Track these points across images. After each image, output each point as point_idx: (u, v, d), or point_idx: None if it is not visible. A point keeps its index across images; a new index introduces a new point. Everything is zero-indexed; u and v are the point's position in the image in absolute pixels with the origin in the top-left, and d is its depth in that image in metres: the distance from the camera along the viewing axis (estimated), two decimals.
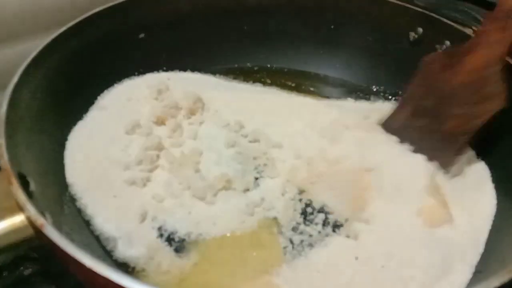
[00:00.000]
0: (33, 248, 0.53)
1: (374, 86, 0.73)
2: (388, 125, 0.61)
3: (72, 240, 0.34)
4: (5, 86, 0.47)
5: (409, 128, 0.58)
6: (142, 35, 0.68)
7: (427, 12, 0.67)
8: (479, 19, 0.69)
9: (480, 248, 0.49)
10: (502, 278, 0.34)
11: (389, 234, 0.49)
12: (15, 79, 0.48)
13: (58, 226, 0.41)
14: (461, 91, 0.53)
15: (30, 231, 0.38)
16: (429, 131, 0.56)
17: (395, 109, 0.61)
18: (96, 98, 0.62)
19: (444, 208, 0.52)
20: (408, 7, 0.69)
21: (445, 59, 0.55)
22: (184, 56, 0.72)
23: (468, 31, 0.66)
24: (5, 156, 0.40)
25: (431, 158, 0.55)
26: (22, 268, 0.52)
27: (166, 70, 0.70)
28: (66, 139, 0.55)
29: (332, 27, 0.74)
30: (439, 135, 0.55)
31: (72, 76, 0.58)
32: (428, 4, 0.73)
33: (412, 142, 0.57)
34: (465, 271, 0.47)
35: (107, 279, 0.31)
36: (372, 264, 0.47)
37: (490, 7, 0.73)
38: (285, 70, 0.75)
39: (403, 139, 0.58)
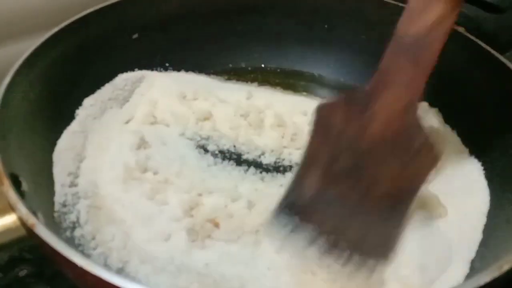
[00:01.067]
0: (28, 249, 0.53)
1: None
2: (287, 204, 0.43)
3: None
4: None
5: (326, 195, 0.42)
6: (135, 36, 0.68)
7: None
8: (470, 17, 0.69)
9: (475, 244, 0.49)
10: (492, 274, 0.34)
11: None
12: (7, 79, 0.48)
13: (50, 225, 0.41)
14: (382, 148, 0.41)
15: (22, 231, 0.38)
16: (357, 196, 0.42)
17: (294, 180, 0.44)
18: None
19: (438, 202, 0.52)
20: (401, 6, 0.69)
21: (345, 107, 0.42)
22: (178, 56, 0.72)
23: (461, 29, 0.66)
24: None
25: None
26: (17, 269, 0.52)
27: (160, 71, 0.70)
28: (58, 139, 0.55)
29: (326, 26, 0.74)
30: (370, 201, 0.41)
31: (65, 76, 0.58)
32: None
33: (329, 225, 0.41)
34: (462, 267, 0.47)
35: (98, 278, 0.31)
36: None
37: (483, 4, 0.74)
38: (279, 70, 0.75)
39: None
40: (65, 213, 0.50)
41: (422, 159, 0.40)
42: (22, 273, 0.52)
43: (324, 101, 0.44)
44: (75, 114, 0.60)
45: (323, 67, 0.75)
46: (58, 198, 0.51)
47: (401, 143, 0.40)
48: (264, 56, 0.76)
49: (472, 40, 0.62)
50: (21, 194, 0.40)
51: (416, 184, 0.41)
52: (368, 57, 0.71)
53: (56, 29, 0.57)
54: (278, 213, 0.43)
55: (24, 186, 0.42)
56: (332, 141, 0.42)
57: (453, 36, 0.62)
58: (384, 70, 0.41)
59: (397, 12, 0.66)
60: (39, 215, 0.40)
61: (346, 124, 0.42)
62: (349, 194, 0.42)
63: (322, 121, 0.43)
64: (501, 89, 0.57)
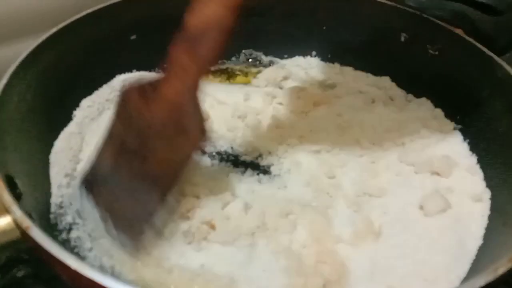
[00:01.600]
0: (26, 250, 0.53)
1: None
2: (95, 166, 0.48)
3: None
4: None
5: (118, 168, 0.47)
6: (133, 37, 0.68)
7: (418, 12, 0.67)
8: (470, 18, 0.69)
9: (479, 238, 0.49)
10: (488, 277, 0.34)
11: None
12: (4, 81, 0.48)
13: (45, 227, 0.41)
14: (157, 126, 0.46)
15: (16, 233, 0.38)
16: (135, 174, 0.47)
17: (94, 158, 0.48)
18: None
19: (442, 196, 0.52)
20: (399, 7, 0.69)
21: (143, 91, 0.46)
22: None
23: (458, 31, 0.66)
24: None
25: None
26: (14, 270, 0.52)
27: (158, 72, 0.70)
28: (55, 141, 0.55)
29: (324, 28, 0.74)
30: (152, 174, 0.47)
31: (62, 78, 0.58)
32: (419, 4, 0.73)
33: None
34: (466, 262, 0.47)
35: (92, 281, 0.31)
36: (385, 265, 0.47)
37: (480, 6, 0.74)
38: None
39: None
40: (61, 215, 0.50)
41: (184, 140, 0.46)
42: (20, 274, 0.52)
43: (128, 86, 0.47)
44: (72, 115, 0.60)
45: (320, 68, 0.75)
46: (54, 200, 0.51)
47: (172, 124, 0.46)
48: (262, 58, 0.76)
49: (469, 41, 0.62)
50: (16, 195, 0.40)
51: (179, 158, 0.47)
52: (366, 58, 0.74)
53: (53, 30, 0.57)
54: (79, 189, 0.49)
55: (20, 188, 0.42)
56: (127, 118, 0.47)
57: (451, 37, 0.64)
58: (168, 59, 0.45)
59: (394, 14, 0.69)
60: (35, 217, 0.40)
61: (138, 107, 0.46)
62: (130, 171, 0.47)
63: (123, 104, 0.47)
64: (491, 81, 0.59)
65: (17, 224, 0.36)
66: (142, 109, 0.46)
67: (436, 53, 0.66)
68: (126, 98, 0.46)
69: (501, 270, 0.35)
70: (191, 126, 0.46)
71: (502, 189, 0.53)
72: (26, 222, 0.35)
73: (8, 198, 0.37)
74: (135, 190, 0.46)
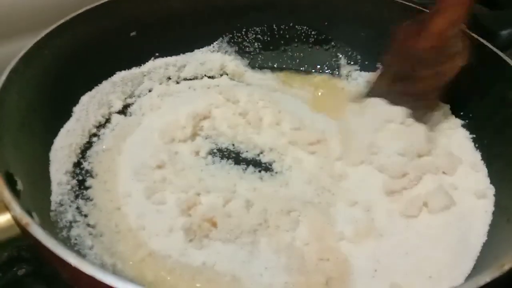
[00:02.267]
0: (26, 248, 0.53)
1: None
2: (374, 92, 0.64)
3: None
4: None
5: (391, 93, 0.62)
6: (133, 33, 0.67)
7: (420, 7, 0.67)
8: (473, 14, 0.68)
9: (483, 235, 0.49)
10: (494, 273, 0.34)
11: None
12: (3, 78, 0.48)
13: (45, 225, 0.41)
14: (428, 54, 0.57)
15: (16, 230, 0.37)
16: (406, 93, 0.60)
17: (376, 78, 0.65)
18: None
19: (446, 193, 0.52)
20: (401, 2, 0.69)
21: (414, 27, 0.58)
22: (175, 54, 0.71)
23: (461, 25, 0.65)
24: None
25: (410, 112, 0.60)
26: (15, 268, 0.52)
27: None
28: (54, 138, 0.55)
29: (326, 23, 0.74)
30: (415, 95, 0.60)
31: (61, 75, 0.57)
32: None
33: (394, 103, 0.61)
34: (470, 259, 0.47)
35: (92, 278, 0.31)
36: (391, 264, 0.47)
37: (485, 1, 0.74)
38: (276, 66, 0.75)
39: (387, 100, 0.62)
40: (61, 212, 0.49)
41: (453, 62, 0.56)
42: (21, 272, 0.52)
43: (400, 27, 0.59)
44: (72, 112, 0.59)
45: (322, 63, 0.75)
46: (54, 197, 0.50)
47: (443, 50, 0.56)
48: (263, 55, 0.75)
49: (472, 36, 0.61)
50: (16, 193, 0.40)
51: (445, 77, 0.58)
52: (367, 53, 0.73)
53: (53, 27, 0.56)
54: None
55: (20, 185, 0.42)
56: (401, 51, 0.60)
57: None
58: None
59: (396, 8, 0.68)
60: (34, 214, 0.39)
61: (411, 38, 0.58)
62: (403, 91, 0.61)
63: (398, 37, 0.60)
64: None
65: (16, 221, 0.36)
66: (413, 42, 0.57)
67: None
68: (400, 33, 0.59)
69: (507, 266, 0.34)
70: (456, 51, 0.56)
71: (506, 186, 0.52)
72: (26, 219, 0.34)
73: (7, 195, 0.36)
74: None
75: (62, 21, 0.58)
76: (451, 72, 0.57)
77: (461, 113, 0.63)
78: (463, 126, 0.62)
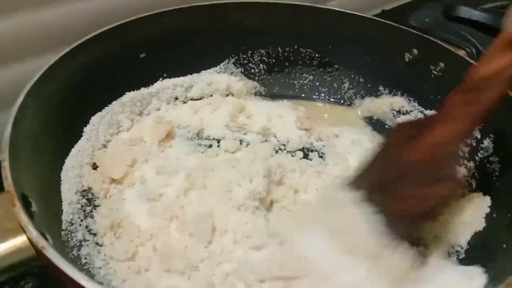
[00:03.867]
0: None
1: None
2: (355, 186, 0.53)
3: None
4: (9, 104, 0.49)
5: (369, 197, 0.51)
6: (143, 55, 0.69)
7: (421, 34, 0.69)
8: (472, 41, 0.70)
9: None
10: None
11: None
12: (19, 101, 0.49)
13: (57, 245, 0.42)
14: (417, 169, 0.48)
15: (31, 251, 0.39)
16: (385, 206, 0.49)
17: (361, 172, 0.54)
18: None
19: None
20: (403, 28, 0.71)
21: (410, 131, 0.50)
22: (183, 75, 0.73)
23: (461, 52, 0.67)
24: (9, 178, 0.41)
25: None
26: (23, 282, 0.53)
27: None
28: (66, 158, 0.57)
29: (330, 47, 0.76)
30: (394, 212, 0.48)
31: (74, 96, 0.59)
32: (422, 24, 0.75)
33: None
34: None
35: None
36: None
37: (483, 29, 0.76)
38: (279, 90, 0.78)
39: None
40: (72, 231, 0.51)
41: (441, 188, 0.46)
42: (28, 286, 0.53)
43: (394, 126, 0.53)
44: (83, 132, 0.61)
45: (327, 88, 0.78)
46: (65, 217, 0.52)
47: (433, 170, 0.47)
48: (268, 77, 0.78)
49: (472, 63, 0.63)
50: (30, 214, 0.41)
51: (426, 204, 0.48)
52: (371, 77, 0.75)
53: (65, 50, 0.58)
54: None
55: (34, 206, 0.43)
56: (391, 154, 0.51)
57: (454, 59, 0.66)
58: (446, 105, 0.48)
59: (398, 34, 0.70)
60: (48, 236, 0.41)
61: (406, 142, 0.49)
62: (382, 201, 0.49)
63: (393, 136, 0.52)
64: None
65: (32, 244, 0.37)
66: (406, 147, 0.48)
67: (440, 73, 0.68)
68: (397, 132, 0.51)
69: None
70: (448, 176, 0.46)
71: None
72: (42, 242, 0.36)
73: (24, 217, 0.38)
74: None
75: (75, 44, 0.59)
76: (435, 201, 0.47)
77: None
78: None
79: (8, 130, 0.46)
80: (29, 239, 0.38)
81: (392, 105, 0.72)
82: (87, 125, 0.62)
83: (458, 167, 0.49)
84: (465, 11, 0.76)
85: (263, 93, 0.77)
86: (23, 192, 0.43)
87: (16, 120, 0.48)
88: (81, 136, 0.61)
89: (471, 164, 0.62)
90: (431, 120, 0.49)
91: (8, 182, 0.41)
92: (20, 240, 0.39)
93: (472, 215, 0.55)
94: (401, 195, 0.48)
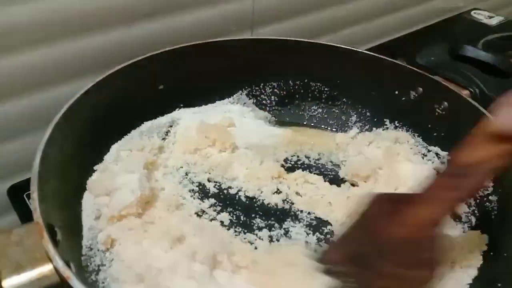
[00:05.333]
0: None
1: None
2: (324, 258, 0.51)
3: None
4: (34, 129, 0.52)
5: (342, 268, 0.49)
6: (161, 87, 0.73)
7: (426, 73, 0.72)
8: (476, 82, 0.73)
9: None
10: None
11: None
12: (46, 135, 0.53)
13: (82, 276, 0.46)
14: (398, 247, 0.47)
15: (57, 278, 0.42)
16: (362, 279, 0.47)
17: (337, 241, 0.53)
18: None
19: None
20: (409, 68, 0.74)
21: (392, 203, 0.49)
22: (198, 105, 0.77)
23: (465, 93, 0.70)
24: (38, 211, 0.44)
25: None
26: None
27: None
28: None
29: (338, 81, 0.79)
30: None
31: (96, 127, 0.63)
32: (428, 63, 0.78)
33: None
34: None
35: None
36: None
37: (488, 69, 0.78)
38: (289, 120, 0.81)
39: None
40: (91, 256, 0.54)
41: (419, 271, 0.46)
42: None
43: (379, 196, 0.51)
44: (103, 160, 0.65)
45: (333, 120, 0.81)
46: (85, 241, 0.55)
47: (414, 248, 0.46)
48: (279, 108, 0.81)
49: (475, 105, 0.66)
50: (56, 243, 0.45)
51: (406, 285, 0.46)
52: (377, 112, 0.78)
53: (91, 84, 0.62)
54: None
55: (59, 235, 0.47)
56: (369, 226, 0.50)
57: (457, 99, 0.68)
58: (429, 186, 0.48)
59: (405, 72, 0.74)
60: (71, 264, 0.44)
61: (385, 216, 0.49)
62: (356, 275, 0.47)
63: (371, 207, 0.51)
64: None
65: (58, 273, 0.41)
66: (386, 222, 0.48)
67: (443, 112, 0.71)
68: (373, 206, 0.50)
69: None
70: (427, 260, 0.45)
71: None
72: (67, 272, 0.40)
73: (51, 249, 0.41)
74: None
75: (99, 78, 0.63)
76: (414, 285, 0.46)
77: None
78: None
79: (36, 163, 0.49)
80: (55, 268, 0.41)
81: (397, 139, 0.75)
82: (108, 153, 0.66)
83: (436, 249, 0.46)
84: (471, 51, 0.79)
85: (274, 123, 0.80)
86: (50, 221, 0.46)
87: (44, 153, 0.51)
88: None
89: (471, 201, 0.65)
90: (412, 198, 0.48)
91: (37, 214, 0.44)
92: (47, 268, 0.42)
93: (471, 252, 0.58)
94: (380, 272, 0.46)
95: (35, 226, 0.44)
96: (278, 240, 0.60)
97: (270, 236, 0.60)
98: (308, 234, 0.61)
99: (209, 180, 0.68)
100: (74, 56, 0.69)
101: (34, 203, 0.45)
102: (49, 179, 0.52)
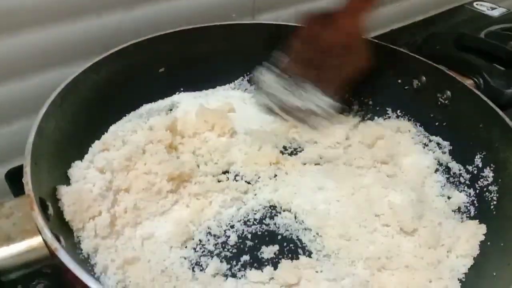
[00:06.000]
0: (47, 265, 0.58)
1: None
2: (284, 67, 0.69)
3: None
4: (33, 112, 0.53)
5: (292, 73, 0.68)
6: (162, 69, 0.73)
7: (430, 62, 0.71)
8: (480, 71, 0.72)
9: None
10: None
11: None
12: (43, 110, 0.53)
13: (69, 247, 0.46)
14: (336, 48, 0.64)
15: (46, 251, 0.42)
16: (310, 78, 0.66)
17: (287, 61, 0.69)
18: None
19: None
20: (413, 56, 0.73)
21: (324, 18, 0.65)
22: (199, 90, 0.77)
23: (468, 82, 0.69)
24: (29, 184, 0.44)
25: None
26: (35, 282, 0.55)
27: None
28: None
29: None
30: (317, 82, 0.67)
31: (94, 107, 0.63)
32: (433, 52, 0.77)
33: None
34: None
35: None
36: None
37: (493, 59, 0.77)
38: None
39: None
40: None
41: (354, 57, 0.65)
42: (40, 286, 0.56)
43: (310, 14, 0.66)
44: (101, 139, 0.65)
45: None
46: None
47: (345, 45, 0.64)
48: None
49: (478, 95, 0.65)
50: (47, 217, 0.45)
51: (347, 72, 0.66)
52: (379, 102, 0.77)
53: (88, 64, 0.62)
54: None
55: (50, 210, 0.47)
56: (309, 39, 0.66)
57: (460, 88, 0.68)
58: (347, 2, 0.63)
59: (408, 61, 0.72)
60: (61, 238, 0.44)
61: (321, 29, 0.65)
62: (307, 74, 0.67)
63: (307, 24, 0.66)
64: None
65: (47, 245, 0.41)
66: (325, 33, 0.63)
67: (446, 102, 0.70)
68: (310, 21, 0.65)
69: None
70: (358, 50, 0.64)
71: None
72: (55, 244, 0.39)
73: (41, 221, 0.41)
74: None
75: (98, 58, 0.63)
76: (352, 70, 0.65)
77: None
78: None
79: (31, 138, 0.49)
80: (44, 240, 0.41)
81: (399, 129, 0.74)
82: (105, 133, 0.66)
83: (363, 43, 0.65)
84: (475, 41, 0.78)
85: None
86: (41, 196, 0.47)
87: (40, 128, 0.51)
88: None
89: (471, 191, 0.64)
90: (340, 12, 0.63)
91: (29, 187, 0.44)
92: (36, 241, 0.42)
93: (468, 241, 0.57)
94: (327, 65, 0.65)
95: (26, 199, 0.43)
96: None
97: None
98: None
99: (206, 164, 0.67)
100: (74, 39, 0.69)
101: (26, 177, 0.45)
102: (44, 155, 0.52)
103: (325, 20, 0.64)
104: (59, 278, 0.56)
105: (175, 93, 0.75)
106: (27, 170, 0.46)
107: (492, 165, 0.62)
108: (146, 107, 0.72)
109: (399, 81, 0.75)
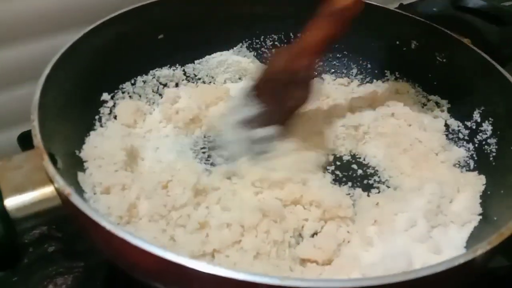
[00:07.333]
0: (57, 227, 0.59)
1: None
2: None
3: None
4: (38, 76, 0.53)
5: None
6: (161, 36, 0.73)
7: (428, 21, 0.71)
8: (477, 30, 0.73)
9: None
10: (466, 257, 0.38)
11: None
12: (46, 72, 0.53)
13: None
14: (283, 75, 0.60)
15: (58, 201, 0.43)
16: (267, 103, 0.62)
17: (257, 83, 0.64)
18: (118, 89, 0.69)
19: None
20: (410, 16, 0.73)
21: (286, 50, 0.62)
22: (199, 56, 0.77)
23: (466, 40, 0.70)
24: (38, 136, 0.45)
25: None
26: (46, 245, 0.58)
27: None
28: (89, 127, 0.61)
29: None
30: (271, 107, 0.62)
31: (96, 70, 0.63)
32: (430, 13, 0.77)
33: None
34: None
35: (124, 241, 0.36)
36: None
37: (489, 17, 0.78)
38: None
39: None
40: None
41: (300, 92, 0.60)
42: (51, 249, 0.58)
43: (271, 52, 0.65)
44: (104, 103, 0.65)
45: (334, 74, 0.81)
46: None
47: (293, 78, 0.59)
48: None
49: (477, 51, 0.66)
50: (57, 169, 0.45)
51: (294, 104, 0.62)
52: (378, 64, 0.78)
53: (90, 27, 0.62)
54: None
55: (59, 164, 0.47)
56: (267, 75, 0.62)
57: (458, 46, 0.68)
58: (303, 38, 0.60)
59: (406, 22, 0.73)
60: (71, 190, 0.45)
61: (276, 61, 0.61)
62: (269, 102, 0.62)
63: (267, 65, 0.63)
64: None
65: (59, 192, 0.41)
66: (280, 62, 0.60)
67: (444, 60, 0.70)
68: (275, 55, 0.63)
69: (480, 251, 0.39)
70: (304, 85, 0.59)
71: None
72: (67, 190, 0.40)
73: (52, 170, 0.42)
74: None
75: (99, 22, 0.63)
76: (295, 100, 0.61)
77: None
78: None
79: (37, 96, 0.50)
80: (56, 188, 0.42)
81: (397, 90, 0.75)
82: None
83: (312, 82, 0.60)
84: (473, 1, 0.79)
85: None
86: (50, 151, 0.47)
87: (44, 88, 0.52)
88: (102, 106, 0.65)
89: (470, 145, 0.65)
90: (294, 47, 0.61)
91: (38, 139, 0.45)
92: (48, 190, 0.43)
93: (469, 191, 0.59)
94: (273, 96, 0.61)
95: (36, 151, 0.44)
96: None
97: None
98: None
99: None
100: (76, 4, 0.69)
101: (35, 130, 0.46)
102: (50, 114, 0.52)
103: (288, 52, 0.61)
104: (68, 242, 0.58)
105: (175, 61, 0.76)
106: (35, 124, 0.46)
107: (490, 118, 0.63)
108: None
109: (397, 42, 0.75)
